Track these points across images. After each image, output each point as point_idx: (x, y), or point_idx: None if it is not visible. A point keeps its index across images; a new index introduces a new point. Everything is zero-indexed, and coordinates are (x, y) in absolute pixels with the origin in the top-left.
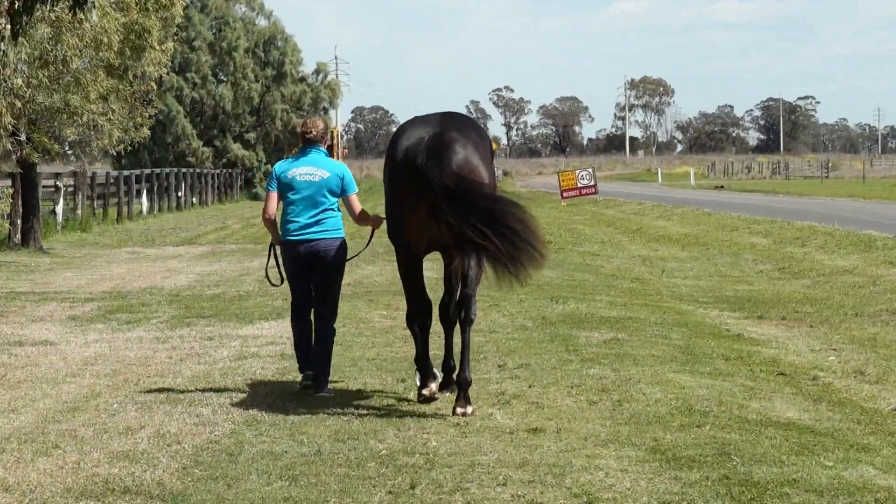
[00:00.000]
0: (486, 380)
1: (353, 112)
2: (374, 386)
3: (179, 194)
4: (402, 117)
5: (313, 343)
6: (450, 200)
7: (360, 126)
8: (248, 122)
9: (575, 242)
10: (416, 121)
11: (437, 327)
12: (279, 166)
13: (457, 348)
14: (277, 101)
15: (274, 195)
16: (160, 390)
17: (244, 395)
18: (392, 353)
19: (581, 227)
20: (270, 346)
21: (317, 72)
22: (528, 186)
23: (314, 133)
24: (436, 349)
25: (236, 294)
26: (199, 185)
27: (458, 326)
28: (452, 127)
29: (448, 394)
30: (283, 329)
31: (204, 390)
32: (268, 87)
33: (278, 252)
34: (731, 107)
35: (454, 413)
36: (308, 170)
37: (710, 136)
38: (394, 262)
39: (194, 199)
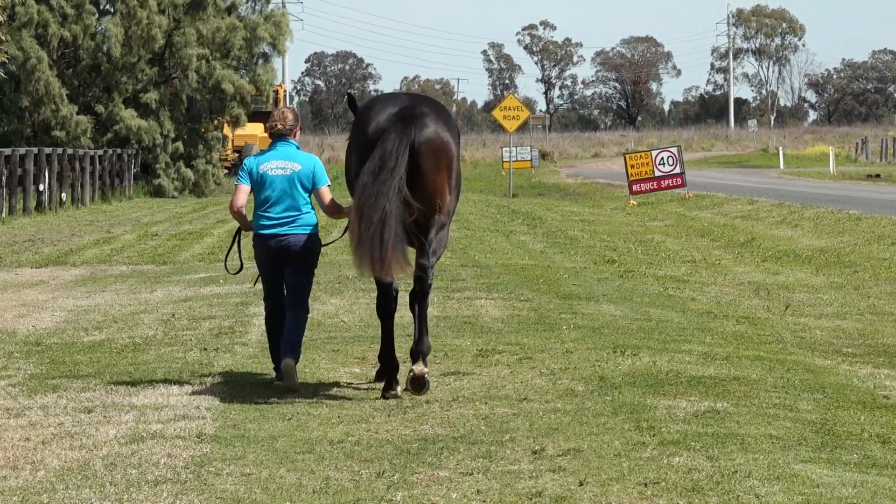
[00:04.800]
0: (512, 473)
1: (308, 61)
2: (340, 482)
3: (41, 187)
4: (382, 69)
5: (284, 333)
6: (385, 164)
7: (320, 82)
8: (148, 76)
9: (651, 262)
10: (383, 98)
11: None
12: (249, 161)
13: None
14: (192, 44)
15: (244, 188)
16: (12, 490)
17: (141, 498)
18: (369, 431)
19: (660, 237)
20: (181, 421)
21: None
22: (579, 175)
23: (281, 126)
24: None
25: (129, 342)
26: (72, 174)
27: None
28: (422, 103)
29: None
30: (199, 395)
31: (79, 489)
32: (178, 20)
33: (241, 238)
34: (894, 53)
35: (409, 373)
36: (280, 163)
37: (860, 97)
38: (371, 290)
39: (64, 194)
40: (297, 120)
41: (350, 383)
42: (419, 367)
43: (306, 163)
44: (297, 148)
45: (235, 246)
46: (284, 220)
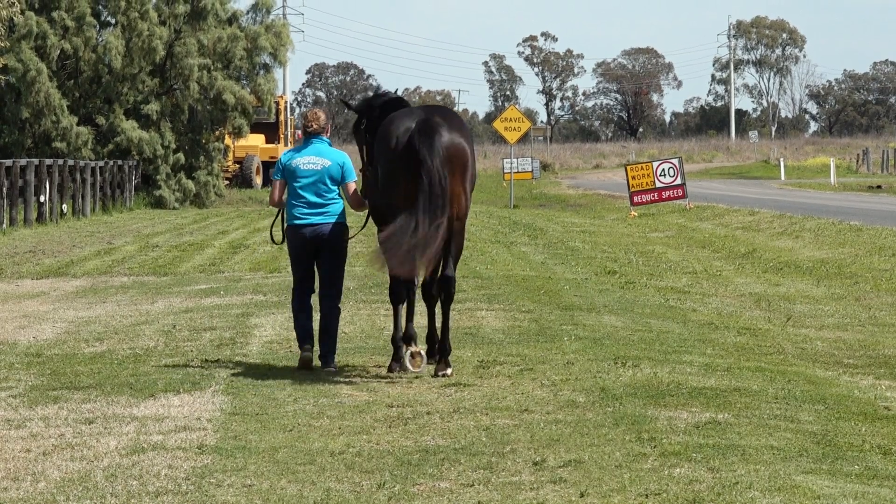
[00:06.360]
0: (513, 484)
1: (309, 72)
2: (342, 494)
3: (42, 199)
4: (383, 80)
5: (320, 323)
6: (434, 186)
7: (321, 93)
8: (149, 87)
9: (652, 273)
10: (400, 114)
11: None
12: (285, 156)
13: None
14: (193, 54)
15: (279, 183)
16: (13, 502)
17: None
18: (370, 442)
19: (661, 249)
20: (182, 432)
21: (254, 8)
22: (580, 187)
23: (315, 126)
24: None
25: (130, 353)
26: (73, 185)
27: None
28: (435, 113)
29: (432, 365)
30: (200, 407)
31: (80, 500)
32: (178, 31)
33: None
34: (895, 64)
35: (435, 375)
36: (311, 159)
37: (862, 109)
38: (372, 301)
39: (65, 205)
40: (328, 119)
41: (351, 394)
42: (442, 371)
43: (335, 159)
44: (329, 145)
45: (279, 219)
46: (316, 211)
